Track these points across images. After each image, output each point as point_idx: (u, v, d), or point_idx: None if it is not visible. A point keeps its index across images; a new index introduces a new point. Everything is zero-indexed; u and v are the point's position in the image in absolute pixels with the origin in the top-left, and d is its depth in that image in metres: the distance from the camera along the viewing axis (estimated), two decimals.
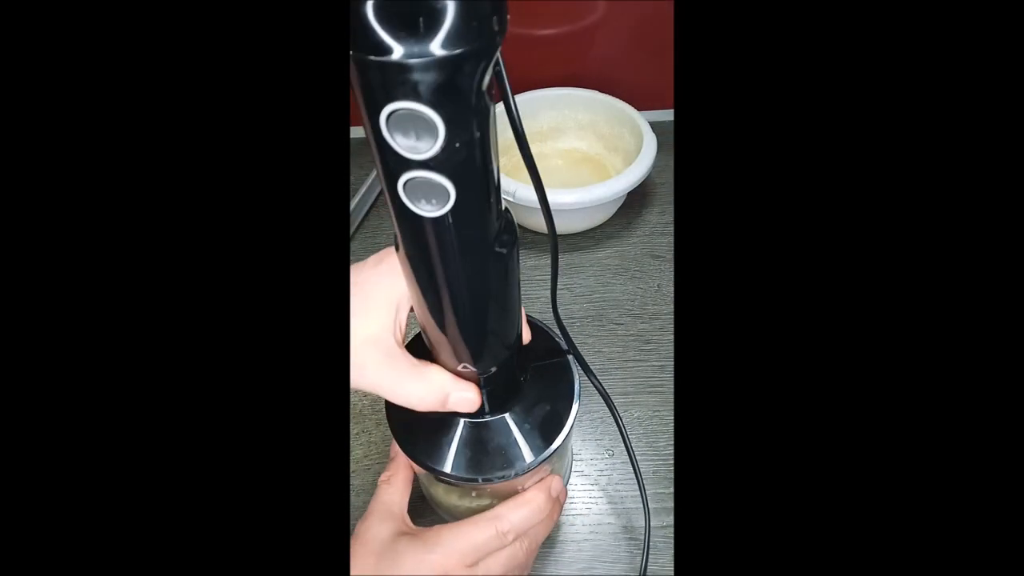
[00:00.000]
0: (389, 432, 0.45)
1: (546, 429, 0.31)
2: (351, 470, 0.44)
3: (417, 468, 0.32)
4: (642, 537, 0.39)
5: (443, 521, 0.33)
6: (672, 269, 0.56)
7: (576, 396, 0.32)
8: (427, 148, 0.16)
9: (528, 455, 0.30)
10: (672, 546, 0.39)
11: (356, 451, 0.45)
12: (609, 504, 0.41)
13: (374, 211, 0.63)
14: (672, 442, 0.44)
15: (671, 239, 0.59)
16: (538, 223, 0.56)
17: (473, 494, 0.34)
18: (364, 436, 0.46)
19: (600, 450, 0.44)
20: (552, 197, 0.52)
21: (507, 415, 0.31)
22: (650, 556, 0.38)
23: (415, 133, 0.16)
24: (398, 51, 0.14)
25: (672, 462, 0.43)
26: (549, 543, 0.40)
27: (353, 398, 0.48)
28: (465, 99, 0.16)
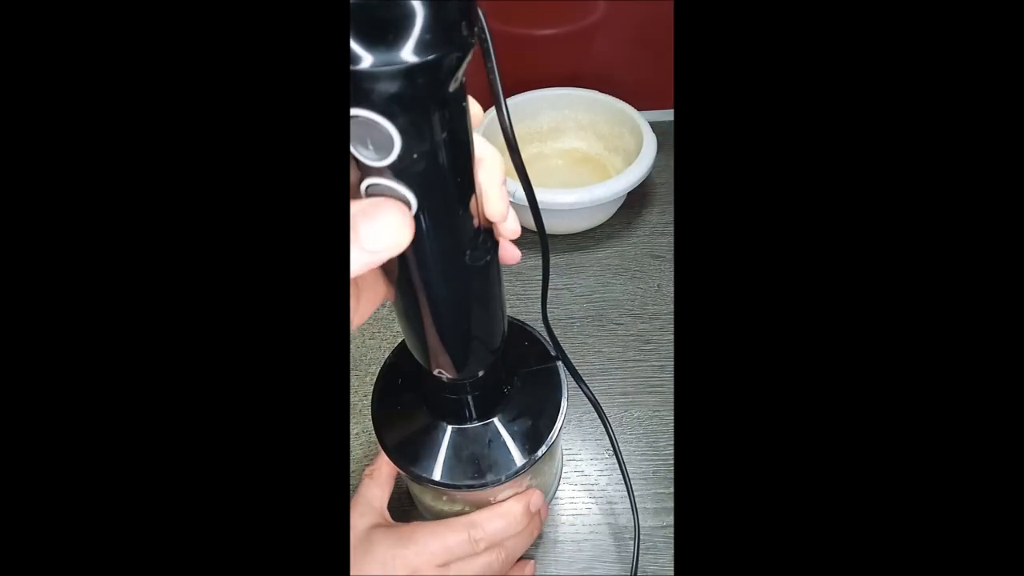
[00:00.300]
0: None
1: (525, 443, 0.30)
2: (351, 470, 0.44)
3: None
4: (642, 537, 0.39)
5: (425, 519, 0.33)
6: (672, 269, 0.56)
7: (561, 413, 0.31)
8: (384, 156, 0.16)
9: (500, 469, 0.29)
10: (672, 546, 0.39)
11: (356, 451, 0.45)
12: (609, 504, 0.41)
13: None
14: (672, 442, 0.44)
15: (671, 239, 0.59)
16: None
17: (444, 498, 0.33)
18: (364, 436, 0.46)
19: (600, 450, 0.44)
20: (552, 197, 0.52)
21: (486, 425, 0.30)
22: (650, 556, 0.38)
23: (370, 141, 0.16)
24: (363, 60, 0.14)
25: (672, 462, 0.43)
26: (549, 543, 0.40)
27: (353, 398, 0.48)
28: (422, 110, 0.15)
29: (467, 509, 0.33)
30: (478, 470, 0.29)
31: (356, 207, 0.17)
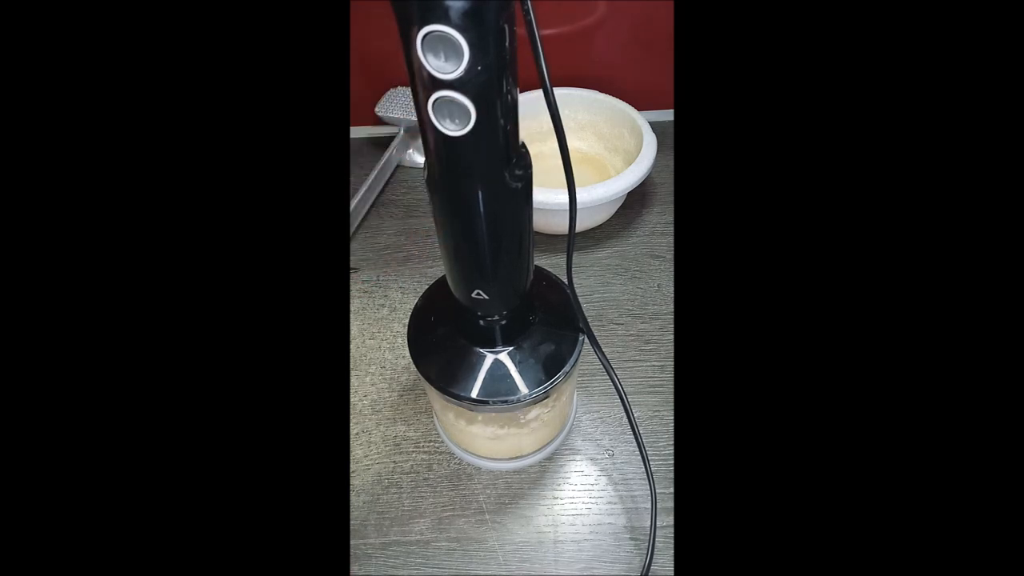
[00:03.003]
0: (389, 432, 0.45)
1: (549, 365, 0.33)
2: (351, 470, 0.44)
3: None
4: (642, 537, 0.39)
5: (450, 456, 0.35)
6: (672, 269, 0.56)
7: (579, 342, 0.34)
8: (454, 68, 0.19)
9: (528, 386, 0.33)
10: (672, 546, 0.39)
11: (356, 451, 0.45)
12: (609, 504, 0.41)
13: (374, 211, 0.63)
14: (672, 442, 0.44)
15: (671, 239, 0.59)
16: (540, 224, 0.56)
17: (479, 418, 0.37)
18: (364, 436, 0.46)
19: (600, 450, 0.44)
20: (552, 197, 0.52)
21: (515, 349, 0.33)
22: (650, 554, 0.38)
23: (443, 53, 0.18)
24: None
25: (672, 462, 0.43)
26: (549, 543, 0.40)
27: (353, 398, 0.48)
28: (488, 27, 0.18)
29: (491, 427, 0.36)
30: (509, 389, 0.32)
31: None
